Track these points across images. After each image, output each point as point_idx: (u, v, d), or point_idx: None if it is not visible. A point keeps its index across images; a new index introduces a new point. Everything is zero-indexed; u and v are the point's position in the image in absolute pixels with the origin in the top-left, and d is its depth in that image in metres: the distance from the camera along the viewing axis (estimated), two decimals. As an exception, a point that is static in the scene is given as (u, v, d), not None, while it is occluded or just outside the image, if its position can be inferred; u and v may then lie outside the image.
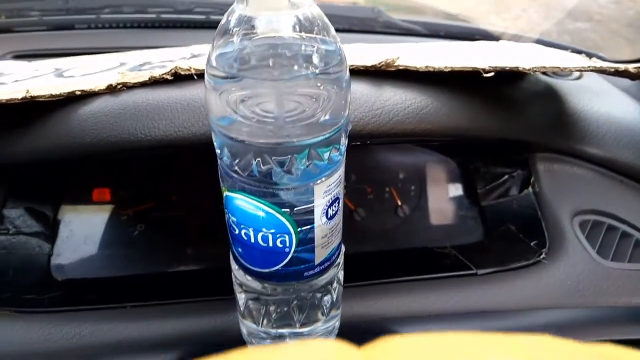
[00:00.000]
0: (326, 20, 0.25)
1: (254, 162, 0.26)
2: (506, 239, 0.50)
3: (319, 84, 0.24)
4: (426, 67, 0.38)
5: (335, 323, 0.37)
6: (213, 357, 0.11)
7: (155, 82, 0.37)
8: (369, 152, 0.54)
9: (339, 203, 0.30)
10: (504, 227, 0.51)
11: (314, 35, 0.25)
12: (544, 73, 0.57)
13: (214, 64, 0.25)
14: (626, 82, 0.58)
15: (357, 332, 0.41)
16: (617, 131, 0.50)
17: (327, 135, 0.25)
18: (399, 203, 0.54)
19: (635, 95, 0.56)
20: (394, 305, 0.43)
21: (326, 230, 0.30)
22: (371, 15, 0.67)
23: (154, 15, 0.61)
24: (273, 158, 0.25)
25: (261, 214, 0.28)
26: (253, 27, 0.24)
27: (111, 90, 0.37)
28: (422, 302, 0.43)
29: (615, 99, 0.55)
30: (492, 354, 0.10)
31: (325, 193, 0.28)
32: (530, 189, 0.51)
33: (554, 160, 0.51)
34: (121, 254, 0.48)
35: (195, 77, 0.37)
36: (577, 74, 0.58)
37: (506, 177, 0.52)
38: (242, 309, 0.34)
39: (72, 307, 0.41)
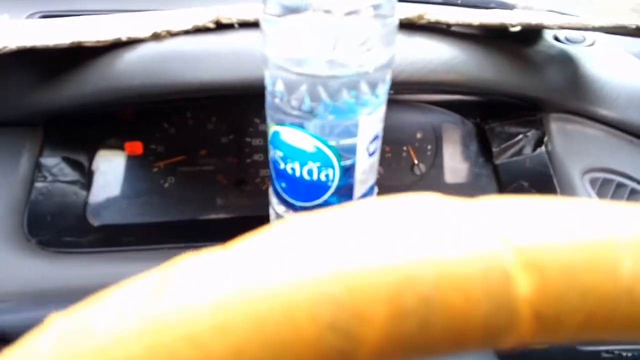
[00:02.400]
0: None
1: (307, 95, 0.28)
2: (519, 195, 0.52)
3: (373, 20, 0.26)
4: (456, 20, 0.40)
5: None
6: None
7: (198, 30, 0.39)
8: (388, 112, 0.56)
9: (378, 141, 0.32)
10: (517, 184, 0.54)
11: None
12: (557, 39, 0.59)
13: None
14: (638, 47, 0.60)
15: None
16: (629, 94, 0.52)
17: (375, 69, 0.27)
18: (416, 161, 0.56)
19: (647, 61, 0.58)
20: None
21: (366, 165, 0.32)
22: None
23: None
24: (324, 90, 0.27)
25: (308, 147, 0.30)
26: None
27: (156, 37, 0.38)
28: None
29: (628, 64, 0.57)
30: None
31: (369, 128, 0.30)
32: (543, 148, 0.53)
33: (566, 121, 0.54)
34: (153, 203, 0.51)
35: (236, 25, 0.39)
36: (590, 40, 0.60)
37: (520, 136, 0.55)
38: (280, 244, 0.37)
39: (112, 247, 0.44)
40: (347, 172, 0.31)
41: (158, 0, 0.62)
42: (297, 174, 0.31)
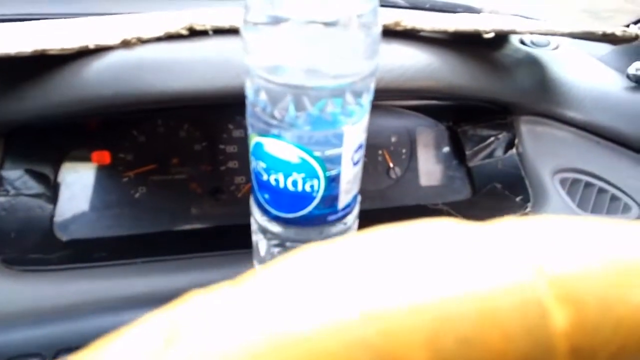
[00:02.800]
0: None
1: (291, 105, 0.27)
2: (493, 196, 0.53)
3: (357, 29, 0.26)
4: (432, 27, 0.40)
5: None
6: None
7: (170, 37, 0.37)
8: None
9: (362, 150, 0.32)
10: (490, 186, 0.55)
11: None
12: (523, 43, 0.60)
13: (253, 6, 0.26)
14: (600, 51, 0.62)
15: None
16: (594, 96, 0.54)
17: (362, 78, 0.27)
18: (391, 165, 0.56)
19: (609, 63, 0.60)
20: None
21: (351, 175, 0.32)
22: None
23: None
24: (309, 100, 0.27)
25: (293, 158, 0.29)
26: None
27: (125, 44, 0.37)
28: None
29: (591, 67, 0.59)
30: None
31: (354, 138, 0.30)
32: (514, 150, 0.54)
33: (536, 123, 0.55)
34: (124, 215, 0.49)
35: (210, 32, 0.38)
36: (554, 44, 0.61)
37: (492, 139, 0.56)
38: (263, 254, 0.36)
39: (83, 264, 0.42)
40: (332, 182, 0.31)
41: (119, 5, 0.59)
42: (281, 185, 0.31)
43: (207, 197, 0.51)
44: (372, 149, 0.56)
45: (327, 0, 0.25)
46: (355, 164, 0.31)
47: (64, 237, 0.46)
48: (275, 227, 0.34)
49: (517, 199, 0.51)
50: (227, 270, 0.42)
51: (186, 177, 0.52)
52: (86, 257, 0.43)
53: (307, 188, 0.30)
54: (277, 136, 0.29)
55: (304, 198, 0.31)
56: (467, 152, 0.56)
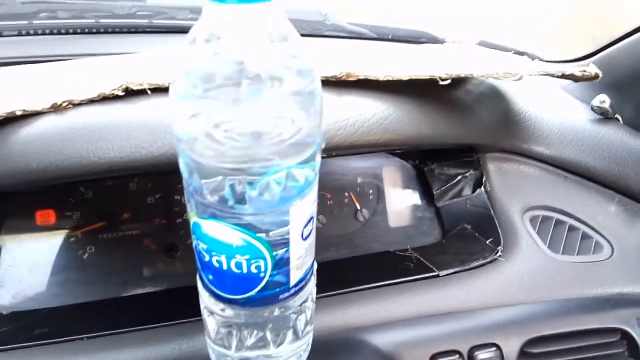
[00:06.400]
0: (296, 33, 0.25)
1: (227, 187, 0.25)
2: (463, 238, 0.51)
3: (293, 103, 0.24)
4: (385, 76, 0.38)
5: (309, 339, 0.36)
6: None
7: (104, 99, 0.34)
8: (325, 159, 0.54)
9: (313, 221, 0.29)
10: (460, 227, 0.53)
11: (285, 51, 0.24)
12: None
13: (180, 82, 0.23)
14: (565, 80, 0.61)
15: (329, 344, 0.40)
16: (560, 129, 0.53)
17: (304, 157, 0.25)
18: (359, 207, 0.54)
19: (574, 94, 0.59)
20: (362, 314, 0.43)
21: (301, 250, 0.29)
22: (319, 19, 0.67)
23: (92, 21, 0.57)
24: (247, 182, 0.24)
25: (235, 240, 0.27)
26: (221, 42, 0.23)
27: (56, 108, 0.34)
28: (388, 307, 0.44)
29: (556, 98, 0.58)
30: None
31: (302, 214, 0.27)
32: (482, 188, 0.53)
33: (503, 160, 0.53)
34: (71, 280, 0.45)
35: (148, 92, 0.35)
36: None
37: (459, 177, 0.54)
38: (212, 334, 0.33)
39: (23, 343, 0.38)
40: (281, 261, 0.28)
41: (65, 47, 0.56)
42: (225, 267, 0.28)
43: (162, 255, 0.48)
44: (338, 191, 0.54)
45: (259, 77, 0.23)
46: (305, 238, 0.29)
47: (4, 310, 0.42)
48: (221, 309, 0.31)
49: (488, 241, 0.49)
50: (181, 344, 0.39)
51: (139, 232, 0.48)
52: (28, 335, 0.39)
53: (253, 269, 0.28)
54: (215, 218, 0.26)
55: (251, 280, 0.28)
56: (435, 192, 0.54)
